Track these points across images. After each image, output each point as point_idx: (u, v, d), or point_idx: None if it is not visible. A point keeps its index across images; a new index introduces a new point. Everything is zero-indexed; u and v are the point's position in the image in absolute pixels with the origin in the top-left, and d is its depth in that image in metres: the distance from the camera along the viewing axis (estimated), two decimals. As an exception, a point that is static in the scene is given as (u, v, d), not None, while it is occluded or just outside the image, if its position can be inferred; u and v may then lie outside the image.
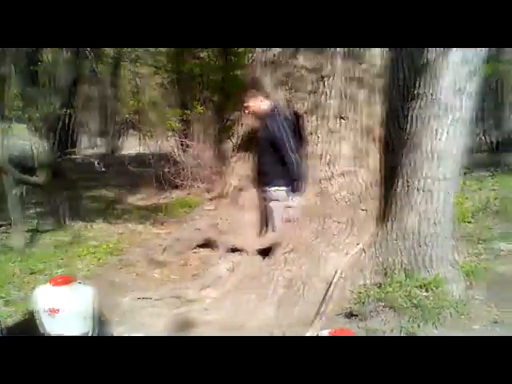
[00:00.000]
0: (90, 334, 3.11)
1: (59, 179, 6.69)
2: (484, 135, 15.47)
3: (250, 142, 4.91)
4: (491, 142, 15.26)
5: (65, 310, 2.99)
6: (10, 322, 3.68)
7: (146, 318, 3.63)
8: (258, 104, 4.44)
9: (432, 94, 3.33)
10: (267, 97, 4.53)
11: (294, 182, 4.25)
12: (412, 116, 3.50)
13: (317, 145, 4.34)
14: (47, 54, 15.51)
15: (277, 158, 4.29)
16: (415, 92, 3.49)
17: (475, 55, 3.24)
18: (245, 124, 5.06)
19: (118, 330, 3.45)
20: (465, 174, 8.86)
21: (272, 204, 4.42)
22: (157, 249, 5.20)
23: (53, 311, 2.98)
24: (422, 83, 3.43)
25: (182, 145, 8.59)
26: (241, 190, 4.84)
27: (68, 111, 9.34)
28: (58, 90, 7.24)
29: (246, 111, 4.67)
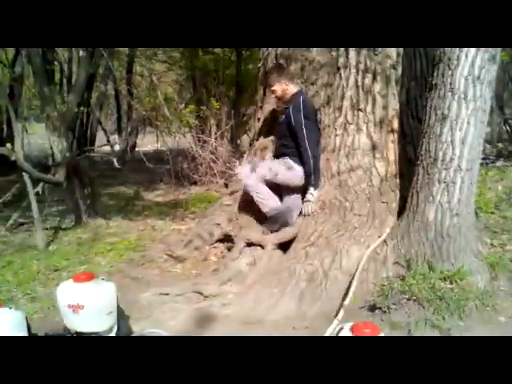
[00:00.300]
0: (113, 330, 3.16)
1: (78, 177, 6.75)
2: (505, 124, 15.27)
3: (267, 135, 4.91)
4: (512, 132, 15.05)
5: (88, 307, 3.02)
6: (35, 318, 3.74)
7: (167, 313, 3.67)
8: (284, 87, 4.40)
9: (451, 84, 3.29)
10: (291, 81, 4.49)
11: (308, 176, 4.24)
12: (430, 106, 3.45)
13: (335, 137, 4.32)
14: (63, 53, 15.68)
15: (295, 144, 4.29)
16: (433, 82, 3.45)
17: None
18: (263, 115, 5.04)
19: (140, 325, 3.47)
20: (486, 164, 8.80)
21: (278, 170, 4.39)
22: (178, 244, 5.25)
23: (76, 307, 3.01)
24: (439, 73, 3.39)
25: (199, 141, 8.63)
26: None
27: (85, 109, 9.42)
28: (74, 89, 7.29)
29: (272, 95, 4.62)
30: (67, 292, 3.10)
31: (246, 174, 4.40)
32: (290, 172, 4.32)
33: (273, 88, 4.44)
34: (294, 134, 4.25)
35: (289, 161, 4.32)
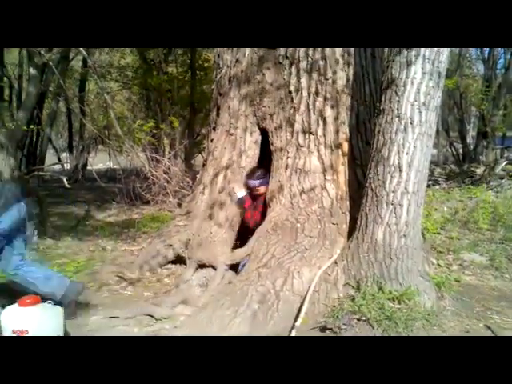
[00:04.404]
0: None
1: (27, 196, 6.55)
2: (450, 147, 15.88)
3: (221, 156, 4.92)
4: (457, 154, 15.64)
5: (33, 332, 2.94)
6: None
7: (117, 337, 3.58)
8: None
9: (398, 109, 3.39)
10: None
11: None
12: (378, 131, 3.55)
13: (287, 159, 4.38)
14: (13, 69, 15.35)
15: None
16: (380, 107, 3.55)
17: (436, 70, 3.32)
18: (217, 136, 5.05)
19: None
20: (433, 185, 9.10)
21: None
22: (128, 266, 5.16)
23: (21, 333, 2.93)
24: (386, 98, 3.49)
25: (152, 160, 8.55)
26: (212, 205, 4.83)
27: (35, 127, 9.23)
28: (24, 106, 7.14)
29: None
30: (12, 316, 3.02)
31: None
32: None
33: None
34: None
35: None
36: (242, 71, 4.78)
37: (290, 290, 3.72)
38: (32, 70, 6.91)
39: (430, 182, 8.83)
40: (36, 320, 2.98)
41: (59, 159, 17.75)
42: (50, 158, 17.39)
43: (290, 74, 4.45)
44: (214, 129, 5.15)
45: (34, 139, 15.28)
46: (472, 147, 15.83)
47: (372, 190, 3.57)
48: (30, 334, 2.92)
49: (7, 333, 2.97)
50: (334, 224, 4.08)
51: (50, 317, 3.11)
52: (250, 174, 4.67)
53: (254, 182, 4.60)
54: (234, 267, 4.28)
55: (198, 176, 5.75)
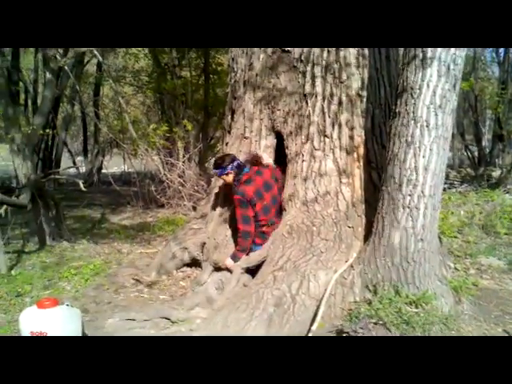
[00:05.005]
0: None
1: (43, 200, 6.62)
2: (466, 151, 15.74)
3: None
4: (473, 158, 15.52)
5: (52, 334, 2.97)
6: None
7: (134, 340, 3.60)
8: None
9: (413, 112, 3.37)
10: None
11: None
12: (394, 134, 3.52)
13: (302, 163, 4.37)
14: (28, 74, 15.54)
15: None
16: (396, 110, 3.53)
17: (452, 73, 3.30)
18: (231, 139, 5.06)
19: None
20: (449, 188, 9.04)
21: None
22: (144, 268, 5.19)
23: (39, 335, 2.96)
24: (402, 101, 3.47)
25: (166, 163, 8.60)
26: (226, 208, 4.84)
27: (51, 131, 9.33)
28: (40, 110, 7.22)
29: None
30: (30, 318, 3.05)
31: None
32: None
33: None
34: None
35: None
36: (256, 75, 4.79)
37: (306, 293, 3.72)
38: (48, 75, 6.97)
39: (446, 186, 8.77)
40: (54, 322, 3.01)
41: (74, 163, 17.91)
42: (66, 161, 17.55)
43: (305, 77, 4.44)
44: (229, 132, 5.16)
45: (50, 143, 15.43)
46: (488, 150, 15.69)
47: (388, 193, 3.55)
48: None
49: (26, 335, 3.00)
50: (349, 227, 4.06)
51: (69, 319, 3.14)
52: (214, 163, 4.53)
53: (215, 171, 4.50)
54: (250, 270, 4.28)
55: (212, 179, 5.77)
